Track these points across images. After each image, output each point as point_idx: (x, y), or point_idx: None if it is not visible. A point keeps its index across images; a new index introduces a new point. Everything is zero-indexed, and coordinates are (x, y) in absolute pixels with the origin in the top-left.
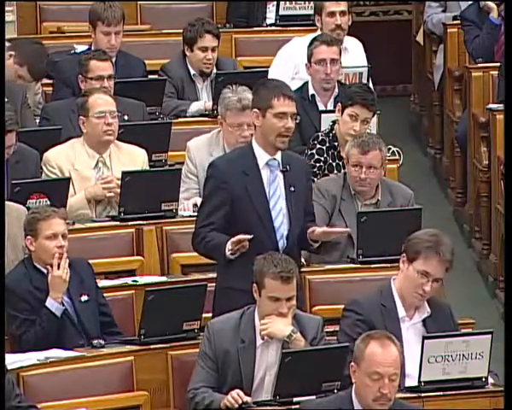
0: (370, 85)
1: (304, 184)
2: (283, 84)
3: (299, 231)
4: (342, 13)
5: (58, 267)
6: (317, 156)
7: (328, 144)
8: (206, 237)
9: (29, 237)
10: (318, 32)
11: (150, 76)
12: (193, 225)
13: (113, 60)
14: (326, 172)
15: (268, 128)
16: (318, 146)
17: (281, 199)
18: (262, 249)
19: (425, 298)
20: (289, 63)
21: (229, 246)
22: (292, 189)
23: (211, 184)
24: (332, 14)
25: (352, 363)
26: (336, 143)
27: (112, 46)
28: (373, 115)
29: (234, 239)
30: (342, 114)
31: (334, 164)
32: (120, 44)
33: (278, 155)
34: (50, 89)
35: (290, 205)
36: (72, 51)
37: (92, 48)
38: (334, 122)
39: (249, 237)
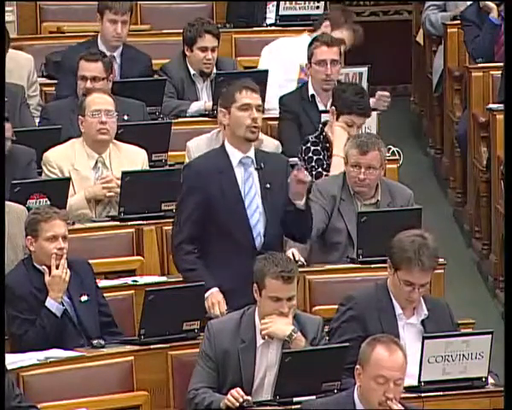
0: (364, 85)
1: (281, 181)
2: (246, 79)
3: (282, 218)
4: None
5: (57, 267)
6: (315, 157)
7: (321, 145)
8: (192, 264)
9: (29, 237)
10: (305, 35)
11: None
12: None
13: (119, 51)
14: (322, 170)
15: (235, 123)
16: (313, 148)
17: (256, 197)
18: (239, 248)
19: (415, 302)
20: (279, 63)
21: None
22: (267, 186)
23: (184, 187)
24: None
25: (357, 366)
26: (328, 145)
27: (118, 35)
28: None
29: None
30: (337, 118)
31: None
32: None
33: (251, 153)
34: (50, 89)
35: (266, 202)
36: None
37: (99, 38)
38: (324, 124)
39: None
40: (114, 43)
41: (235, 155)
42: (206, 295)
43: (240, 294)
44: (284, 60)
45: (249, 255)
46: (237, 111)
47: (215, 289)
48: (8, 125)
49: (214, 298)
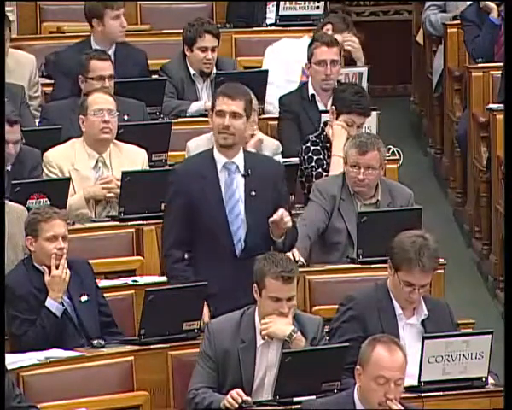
0: (364, 85)
1: (271, 188)
2: (232, 84)
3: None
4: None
5: (57, 267)
6: (315, 157)
7: (321, 145)
8: (182, 272)
9: (29, 237)
10: (307, 37)
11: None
12: None
13: (113, 50)
14: (322, 170)
15: (213, 128)
16: (312, 148)
17: (240, 203)
18: (219, 253)
19: (415, 303)
20: (279, 63)
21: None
22: (253, 193)
23: (169, 190)
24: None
25: (358, 366)
26: (328, 145)
27: (124, 28)
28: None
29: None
30: (337, 118)
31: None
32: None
33: (238, 158)
34: (50, 89)
35: (250, 209)
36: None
37: (92, 38)
38: (325, 123)
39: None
40: (122, 38)
41: (220, 159)
42: None
43: (223, 298)
44: (285, 60)
45: (230, 261)
46: (215, 117)
47: None
48: (16, 127)
49: None
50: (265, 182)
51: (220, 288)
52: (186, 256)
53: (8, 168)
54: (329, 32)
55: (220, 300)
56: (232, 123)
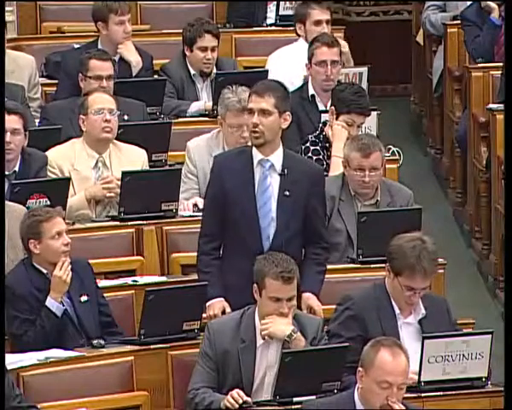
0: (363, 85)
1: (305, 191)
2: (265, 81)
3: (298, 242)
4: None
5: (60, 268)
6: (314, 157)
7: (320, 145)
8: (205, 267)
9: (32, 240)
10: (302, 40)
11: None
12: (193, 226)
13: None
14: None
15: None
16: (312, 148)
17: (272, 201)
18: (246, 248)
19: (415, 304)
20: (285, 70)
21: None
22: (286, 193)
23: (210, 179)
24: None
25: (360, 368)
26: (327, 144)
27: (128, 33)
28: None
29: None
30: (337, 118)
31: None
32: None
33: (275, 157)
34: (50, 89)
35: (281, 209)
36: (78, 46)
37: (99, 41)
38: (324, 123)
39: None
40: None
41: (256, 155)
42: (207, 303)
43: (244, 292)
44: (288, 67)
45: (256, 257)
46: (247, 115)
47: (215, 300)
48: (14, 117)
49: (211, 310)
50: (301, 185)
51: (244, 282)
52: (213, 251)
53: (16, 169)
54: (302, 29)
55: (241, 294)
56: (261, 121)
